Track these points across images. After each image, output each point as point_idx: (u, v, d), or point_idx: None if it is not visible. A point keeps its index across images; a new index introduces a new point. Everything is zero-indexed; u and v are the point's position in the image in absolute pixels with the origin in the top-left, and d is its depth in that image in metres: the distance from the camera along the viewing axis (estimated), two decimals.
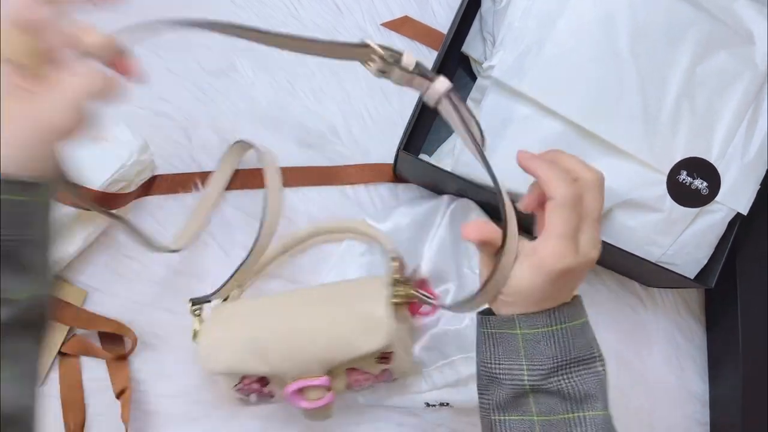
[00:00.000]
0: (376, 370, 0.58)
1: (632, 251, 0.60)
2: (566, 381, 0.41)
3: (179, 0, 0.73)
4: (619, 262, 0.66)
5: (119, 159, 0.63)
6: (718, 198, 0.60)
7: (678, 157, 0.60)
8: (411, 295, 0.57)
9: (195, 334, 0.59)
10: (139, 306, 0.66)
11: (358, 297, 0.57)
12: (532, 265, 0.42)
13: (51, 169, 0.38)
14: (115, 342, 0.66)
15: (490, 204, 0.65)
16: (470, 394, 0.65)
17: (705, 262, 0.62)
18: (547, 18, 0.58)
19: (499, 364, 0.43)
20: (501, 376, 0.43)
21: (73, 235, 0.64)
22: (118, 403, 0.64)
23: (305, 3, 0.72)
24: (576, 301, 0.44)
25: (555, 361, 0.41)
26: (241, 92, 0.71)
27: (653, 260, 0.61)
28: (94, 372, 0.66)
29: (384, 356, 0.56)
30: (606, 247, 0.60)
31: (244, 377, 0.57)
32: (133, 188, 0.66)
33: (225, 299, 0.63)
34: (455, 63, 0.71)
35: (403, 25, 0.72)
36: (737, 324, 0.65)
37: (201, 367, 0.56)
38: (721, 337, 0.69)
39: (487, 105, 0.59)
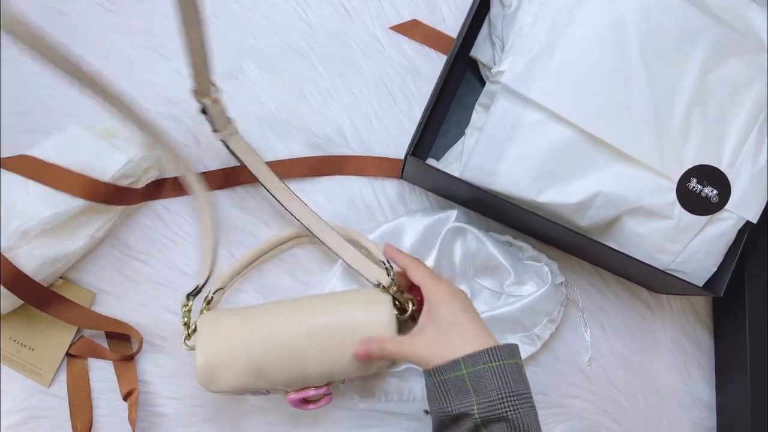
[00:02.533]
0: (373, 372, 0.59)
1: (641, 258, 0.60)
2: (512, 411, 0.47)
3: None
4: (627, 269, 0.66)
5: (128, 154, 0.64)
6: (728, 206, 0.60)
7: (688, 165, 0.59)
8: (406, 300, 0.60)
9: (188, 336, 0.59)
10: (146, 307, 0.66)
11: (362, 316, 0.56)
12: (433, 302, 0.54)
13: None
14: (122, 343, 0.66)
15: (495, 208, 0.65)
16: None
17: (714, 270, 0.62)
18: (557, 24, 0.58)
19: (453, 404, 0.48)
20: (456, 415, 0.48)
21: (79, 230, 0.64)
22: (125, 404, 0.64)
23: (313, 6, 0.72)
24: (511, 345, 0.51)
25: (499, 392, 0.47)
26: (249, 94, 0.71)
27: (662, 268, 0.61)
28: (102, 374, 0.66)
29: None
30: (615, 253, 0.60)
31: None
32: (141, 185, 0.66)
33: (208, 303, 0.62)
34: (464, 67, 0.70)
35: (411, 29, 0.72)
36: (745, 331, 0.65)
37: (204, 386, 0.56)
38: (728, 344, 0.69)
39: (496, 111, 0.59)
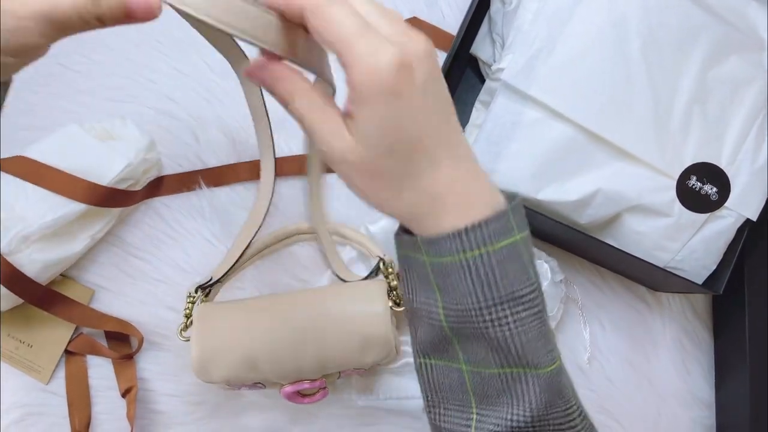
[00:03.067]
0: (368, 366, 0.59)
1: (641, 256, 0.60)
2: (496, 328, 0.30)
3: None
4: (627, 267, 0.66)
5: (126, 157, 0.63)
6: (727, 204, 0.60)
7: (688, 162, 0.59)
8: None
9: (185, 327, 0.59)
10: (146, 305, 0.66)
11: (357, 309, 0.56)
12: (357, 100, 0.29)
13: None
14: (122, 341, 0.66)
15: None
16: None
17: (714, 267, 0.62)
18: (557, 21, 0.58)
19: (416, 294, 0.33)
20: (419, 310, 0.33)
21: (80, 232, 0.64)
22: (124, 401, 0.64)
23: None
24: (501, 213, 0.31)
25: (475, 300, 0.30)
26: None
27: (661, 265, 0.61)
28: (100, 371, 0.66)
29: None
30: (614, 251, 0.60)
31: None
32: (140, 187, 0.66)
33: (207, 294, 0.61)
34: (464, 64, 0.70)
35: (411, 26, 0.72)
36: (744, 329, 0.65)
37: (200, 377, 0.56)
38: (728, 341, 0.69)
39: (496, 108, 0.59)
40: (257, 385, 0.59)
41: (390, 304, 0.57)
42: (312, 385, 0.57)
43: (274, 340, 0.55)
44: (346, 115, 0.30)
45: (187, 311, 0.59)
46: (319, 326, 0.55)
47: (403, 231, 0.34)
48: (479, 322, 0.30)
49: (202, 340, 0.55)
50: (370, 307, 0.56)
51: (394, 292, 0.59)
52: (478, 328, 0.31)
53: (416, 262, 0.32)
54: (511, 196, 0.33)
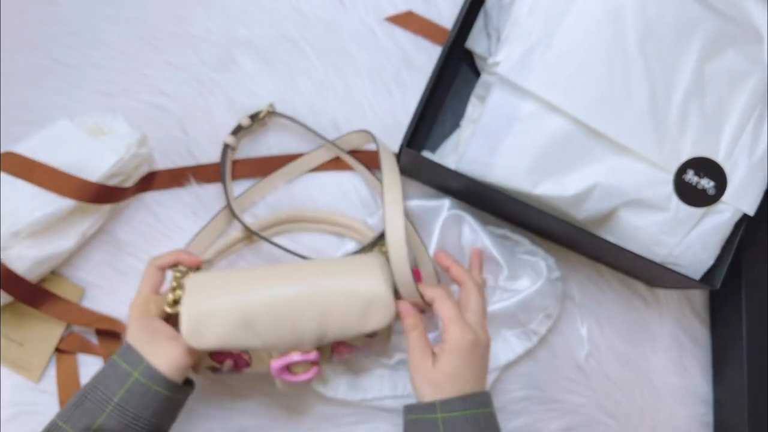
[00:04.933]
0: (361, 342, 0.57)
1: (638, 251, 0.60)
2: None
3: None
4: (624, 262, 0.65)
5: (117, 152, 0.63)
6: (724, 198, 0.59)
7: (685, 157, 0.59)
8: None
9: (172, 304, 0.55)
10: None
11: (357, 274, 0.54)
12: (445, 350, 0.51)
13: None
14: (112, 339, 0.65)
15: (491, 201, 0.64)
16: None
17: (711, 263, 0.62)
18: (554, 14, 0.57)
19: None
20: None
21: (70, 229, 0.63)
22: None
23: None
24: (486, 393, 0.51)
25: None
26: (241, 86, 0.70)
27: (659, 261, 0.61)
28: (91, 369, 0.65)
29: (372, 334, 0.56)
30: (611, 247, 0.60)
31: None
32: (131, 182, 0.65)
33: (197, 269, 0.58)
34: (459, 59, 0.70)
35: (406, 20, 0.71)
36: (742, 325, 0.65)
37: (189, 343, 0.52)
38: (725, 337, 0.69)
39: (492, 102, 0.58)
40: (242, 355, 0.56)
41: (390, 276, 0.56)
42: (304, 357, 0.53)
43: (273, 300, 0.52)
44: (434, 350, 0.52)
45: (174, 284, 0.55)
46: (320, 289, 0.53)
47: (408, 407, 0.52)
48: None
49: (194, 301, 0.52)
50: (370, 271, 0.54)
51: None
52: None
53: (427, 422, 0.48)
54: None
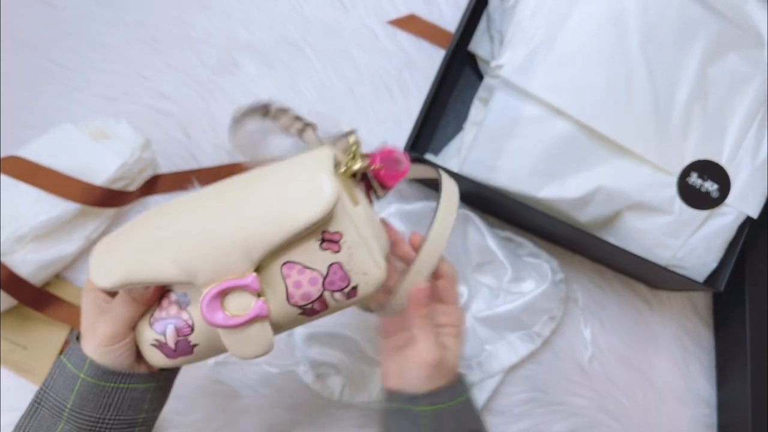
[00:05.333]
0: (321, 263, 0.41)
1: (641, 254, 0.60)
2: None
3: None
4: (627, 265, 0.65)
5: (121, 156, 0.63)
6: (728, 201, 0.59)
7: (688, 159, 0.59)
8: (364, 169, 0.44)
9: None
10: None
11: (292, 170, 0.42)
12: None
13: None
14: None
15: (494, 204, 0.64)
16: None
17: (714, 265, 0.61)
18: (556, 17, 0.57)
19: None
20: None
21: (74, 233, 0.63)
22: None
23: None
24: (462, 378, 0.48)
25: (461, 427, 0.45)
26: (243, 88, 0.70)
27: (662, 263, 0.61)
28: None
29: (329, 239, 0.41)
30: (615, 249, 0.60)
31: (164, 294, 0.42)
32: (135, 186, 0.65)
33: None
34: (462, 62, 0.69)
35: (409, 23, 0.71)
36: (745, 327, 0.64)
37: (96, 283, 0.41)
38: (728, 339, 0.69)
39: (495, 105, 0.58)
40: (181, 315, 0.42)
41: (341, 169, 0.43)
42: (237, 282, 0.39)
43: (186, 215, 0.41)
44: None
45: None
46: (233, 186, 0.42)
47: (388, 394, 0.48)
48: None
49: (103, 243, 0.43)
50: (300, 158, 0.43)
51: (353, 160, 0.44)
52: None
53: (408, 413, 0.45)
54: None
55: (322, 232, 0.40)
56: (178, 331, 0.42)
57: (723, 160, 0.59)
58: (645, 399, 0.69)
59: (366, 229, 0.42)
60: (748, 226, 0.61)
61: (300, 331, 0.64)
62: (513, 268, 0.66)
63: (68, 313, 0.64)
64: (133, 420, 0.44)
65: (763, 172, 0.60)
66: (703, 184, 0.59)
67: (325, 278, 0.41)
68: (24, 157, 0.61)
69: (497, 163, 0.59)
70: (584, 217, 0.60)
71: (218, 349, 0.43)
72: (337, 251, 0.41)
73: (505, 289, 0.66)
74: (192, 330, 0.42)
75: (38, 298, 0.63)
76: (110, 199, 0.63)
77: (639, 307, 0.71)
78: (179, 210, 0.42)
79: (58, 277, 0.66)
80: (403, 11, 0.71)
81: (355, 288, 0.42)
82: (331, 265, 0.41)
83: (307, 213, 0.39)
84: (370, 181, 0.46)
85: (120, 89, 0.70)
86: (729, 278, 0.61)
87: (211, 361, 0.65)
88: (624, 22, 0.57)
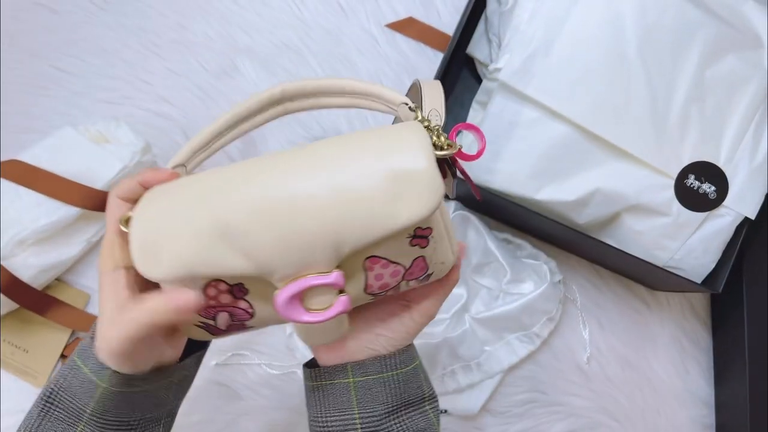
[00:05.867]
0: (407, 258, 0.37)
1: (639, 255, 0.60)
2: (398, 424, 0.41)
3: (185, 2, 0.72)
4: (626, 266, 0.65)
5: (122, 160, 0.63)
6: (726, 202, 0.60)
7: (686, 161, 0.59)
8: (451, 146, 0.37)
9: (125, 223, 0.36)
10: None
11: (380, 144, 0.35)
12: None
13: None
14: None
15: (493, 206, 0.64)
16: (468, 402, 0.65)
17: (712, 266, 0.62)
18: (554, 21, 0.58)
19: (330, 417, 0.41)
20: (333, 427, 0.41)
21: (75, 236, 0.64)
22: None
23: (308, 3, 0.72)
24: (410, 345, 0.44)
25: (387, 406, 0.41)
26: (243, 92, 0.70)
27: (660, 264, 0.61)
28: None
29: (420, 234, 0.37)
30: (613, 251, 0.60)
31: (209, 284, 0.36)
32: None
33: None
34: (460, 65, 0.70)
35: (407, 27, 0.71)
36: (743, 328, 0.65)
37: (145, 272, 0.34)
38: (727, 340, 0.69)
39: (493, 108, 0.59)
40: (238, 304, 0.37)
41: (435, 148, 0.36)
42: (321, 280, 0.35)
43: (261, 196, 0.34)
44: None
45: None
46: (328, 171, 0.34)
47: (309, 366, 0.44)
48: (386, 422, 0.41)
49: (147, 212, 0.35)
50: (402, 138, 0.36)
51: (436, 135, 0.37)
52: (384, 428, 0.41)
53: (337, 387, 0.42)
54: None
55: (415, 229, 0.36)
56: (233, 317, 0.38)
57: (720, 162, 0.60)
58: (643, 399, 0.69)
59: (447, 219, 0.40)
60: (745, 227, 0.61)
61: None
62: (512, 269, 0.66)
63: (69, 317, 0.64)
64: (159, 415, 0.42)
65: (760, 173, 0.60)
66: (700, 186, 0.59)
67: (407, 270, 0.38)
68: (24, 161, 0.62)
69: (496, 166, 0.59)
70: (582, 218, 0.60)
71: (272, 324, 0.40)
72: (425, 246, 0.38)
73: (504, 291, 0.67)
74: (252, 316, 0.38)
75: (39, 302, 0.63)
76: None
77: (637, 307, 0.71)
78: (252, 182, 0.34)
79: (58, 281, 0.66)
80: (402, 15, 0.72)
81: (430, 275, 0.40)
82: (416, 258, 0.38)
83: (411, 212, 0.34)
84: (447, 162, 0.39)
85: (121, 94, 0.71)
86: (727, 279, 0.61)
87: (212, 362, 0.65)
88: (622, 25, 0.57)
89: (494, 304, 0.66)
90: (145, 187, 0.38)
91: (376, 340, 0.42)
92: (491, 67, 0.60)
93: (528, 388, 0.68)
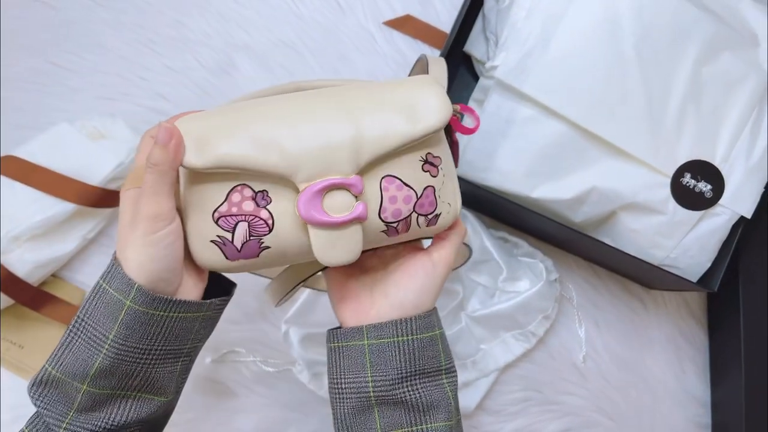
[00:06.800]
0: (419, 184, 0.41)
1: (635, 254, 0.60)
2: (411, 392, 0.41)
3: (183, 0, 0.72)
4: (622, 265, 0.65)
5: (118, 156, 0.63)
6: (722, 201, 0.60)
7: (682, 160, 0.59)
8: (457, 111, 0.44)
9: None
10: None
11: (405, 83, 0.41)
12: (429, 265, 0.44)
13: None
14: None
15: (489, 204, 0.64)
16: (463, 400, 0.65)
17: (708, 265, 0.62)
18: (551, 19, 0.58)
19: (345, 377, 0.42)
20: (347, 390, 0.42)
21: (71, 232, 0.64)
22: None
23: (306, 1, 0.72)
24: (431, 313, 0.44)
25: (400, 372, 0.41)
26: (240, 89, 0.70)
27: (656, 263, 0.61)
28: None
29: (432, 162, 0.41)
30: (609, 249, 0.60)
31: (234, 189, 0.39)
32: None
33: None
34: (457, 62, 0.70)
35: (405, 24, 0.71)
36: (739, 327, 0.65)
37: (187, 161, 0.37)
38: (723, 339, 0.69)
39: (490, 105, 0.59)
40: (260, 211, 0.39)
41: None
42: (343, 180, 0.38)
43: (295, 108, 0.39)
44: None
45: None
46: (352, 92, 0.40)
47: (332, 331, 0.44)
48: (399, 388, 0.41)
49: (192, 121, 0.39)
50: (417, 77, 0.42)
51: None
52: (397, 394, 0.41)
53: (353, 348, 0.42)
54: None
55: (427, 153, 0.41)
56: (252, 229, 0.40)
57: (717, 161, 0.60)
58: (639, 398, 0.69)
59: (453, 166, 0.44)
60: (741, 226, 0.61)
61: (296, 331, 0.65)
62: (508, 267, 0.66)
63: (65, 312, 0.64)
64: (179, 350, 0.41)
65: (756, 172, 0.60)
66: (696, 185, 0.59)
67: (418, 199, 0.41)
68: (20, 157, 0.62)
69: (492, 164, 0.59)
70: (578, 217, 0.60)
71: (286, 258, 0.41)
72: (435, 176, 0.41)
73: (500, 289, 0.67)
74: (270, 230, 0.40)
75: (35, 298, 0.63)
76: (106, 199, 0.63)
77: (633, 306, 0.71)
78: (289, 102, 0.40)
79: (54, 277, 0.66)
80: (399, 12, 0.72)
81: (437, 216, 0.42)
82: (426, 187, 0.41)
83: (426, 124, 0.39)
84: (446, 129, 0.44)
85: (119, 90, 0.71)
86: (723, 278, 0.61)
87: (207, 359, 0.65)
88: (618, 24, 0.57)
89: (490, 302, 0.66)
90: None
91: (404, 296, 0.43)
92: (488, 64, 0.60)
93: (523, 386, 0.68)
